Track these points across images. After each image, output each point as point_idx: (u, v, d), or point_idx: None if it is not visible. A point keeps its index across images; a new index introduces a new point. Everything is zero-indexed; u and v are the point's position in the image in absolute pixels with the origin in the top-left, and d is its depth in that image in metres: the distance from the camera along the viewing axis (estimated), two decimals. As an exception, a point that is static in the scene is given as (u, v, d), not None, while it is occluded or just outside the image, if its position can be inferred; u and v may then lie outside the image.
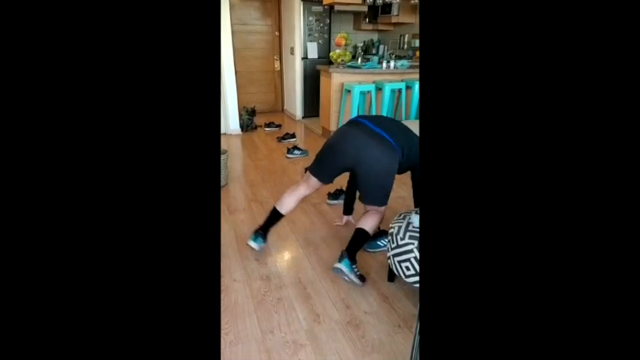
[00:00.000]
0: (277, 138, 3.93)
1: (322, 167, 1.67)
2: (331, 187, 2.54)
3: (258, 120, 4.46)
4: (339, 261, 1.55)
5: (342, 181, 2.68)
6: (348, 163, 1.56)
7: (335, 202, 2.39)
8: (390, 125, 1.59)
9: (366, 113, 3.95)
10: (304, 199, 2.42)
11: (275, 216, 1.78)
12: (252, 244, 1.77)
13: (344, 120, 3.75)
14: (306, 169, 1.78)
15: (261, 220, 2.18)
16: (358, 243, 1.59)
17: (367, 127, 1.54)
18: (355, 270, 1.57)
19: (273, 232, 2.04)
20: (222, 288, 1.57)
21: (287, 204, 1.76)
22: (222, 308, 1.46)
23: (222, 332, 1.33)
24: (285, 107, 5.42)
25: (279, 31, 5.02)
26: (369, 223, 1.58)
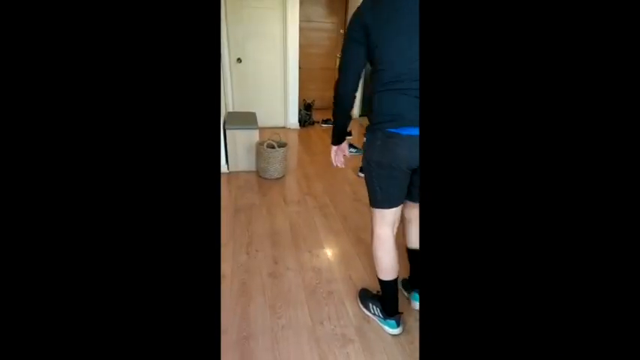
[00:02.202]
0: (333, 135, 3.97)
1: (391, 193, 1.20)
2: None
3: (315, 116, 4.54)
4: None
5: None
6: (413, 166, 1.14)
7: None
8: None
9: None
10: (357, 198, 2.45)
11: (387, 288, 1.32)
12: (393, 330, 1.34)
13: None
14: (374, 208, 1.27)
15: (315, 212, 2.26)
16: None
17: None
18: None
19: (326, 226, 2.09)
20: (277, 275, 1.65)
21: (388, 263, 1.28)
22: (276, 293, 1.53)
23: (276, 316, 1.41)
24: (342, 105, 5.44)
25: (344, 29, 5.04)
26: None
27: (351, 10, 4.83)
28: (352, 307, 1.48)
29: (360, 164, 3.00)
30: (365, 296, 1.47)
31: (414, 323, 1.40)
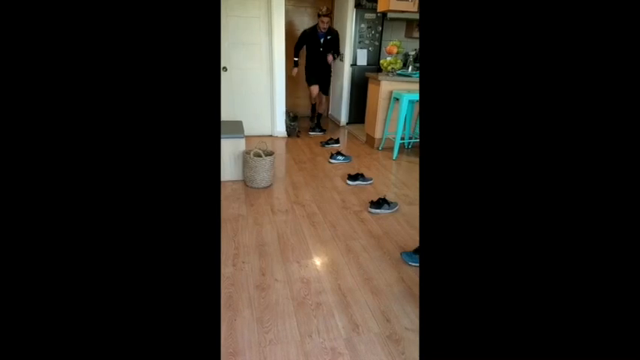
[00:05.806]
0: (321, 142, 3.97)
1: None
2: (374, 197, 2.51)
3: (304, 124, 4.53)
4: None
5: (385, 190, 2.64)
6: None
7: (377, 210, 2.35)
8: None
9: (414, 122, 3.89)
10: (346, 207, 2.44)
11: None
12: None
13: (390, 128, 3.71)
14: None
15: (303, 221, 2.23)
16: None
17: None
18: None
19: (315, 236, 2.06)
20: (264, 287, 1.61)
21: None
22: (263, 306, 1.49)
23: (263, 330, 1.36)
24: (329, 112, 5.46)
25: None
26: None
27: (336, 21, 4.90)
28: (341, 318, 1.44)
29: (348, 172, 2.99)
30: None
31: (404, 333, 1.37)
